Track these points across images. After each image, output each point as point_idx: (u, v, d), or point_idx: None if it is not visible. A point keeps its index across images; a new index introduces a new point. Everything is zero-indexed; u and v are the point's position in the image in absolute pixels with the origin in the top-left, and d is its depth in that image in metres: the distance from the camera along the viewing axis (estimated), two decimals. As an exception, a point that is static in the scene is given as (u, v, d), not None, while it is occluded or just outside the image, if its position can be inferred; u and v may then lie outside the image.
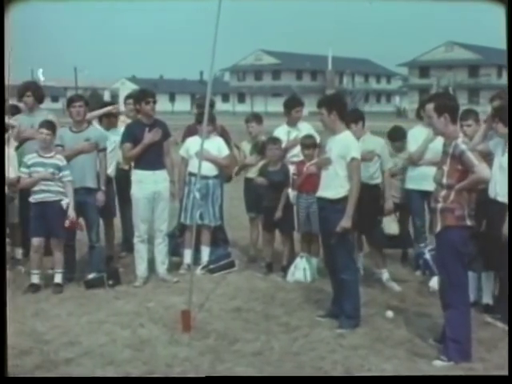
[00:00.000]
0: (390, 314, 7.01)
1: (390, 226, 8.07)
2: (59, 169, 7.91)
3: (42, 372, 5.58)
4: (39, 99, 9.13)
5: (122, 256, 9.41)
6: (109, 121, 9.30)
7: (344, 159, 6.65)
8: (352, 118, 7.65)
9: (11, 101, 10.08)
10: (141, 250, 8.31)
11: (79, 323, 6.76)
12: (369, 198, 7.05)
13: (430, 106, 5.91)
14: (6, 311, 5.49)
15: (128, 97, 9.90)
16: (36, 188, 7.89)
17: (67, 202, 7.88)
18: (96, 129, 8.66)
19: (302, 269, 8.39)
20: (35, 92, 9.07)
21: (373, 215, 7.81)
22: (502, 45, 5.98)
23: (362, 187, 6.74)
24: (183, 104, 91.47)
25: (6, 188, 8.41)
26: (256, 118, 9.52)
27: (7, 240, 9.18)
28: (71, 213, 7.86)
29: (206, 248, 8.92)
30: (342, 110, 6.85)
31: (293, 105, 9.17)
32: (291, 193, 8.62)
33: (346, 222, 6.52)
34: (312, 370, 5.66)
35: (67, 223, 7.82)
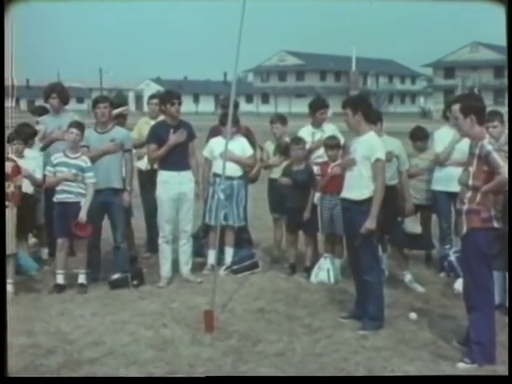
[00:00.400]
0: (413, 315, 6.97)
1: (413, 226, 8.05)
2: (82, 170, 7.94)
3: (67, 371, 5.61)
4: (64, 100, 9.22)
5: (147, 256, 9.45)
6: (118, 121, 9.33)
7: (368, 160, 6.63)
8: (371, 118, 7.66)
9: (38, 102, 10.14)
10: (165, 250, 8.34)
11: (103, 323, 6.79)
12: (387, 198, 7.02)
13: (456, 107, 5.87)
14: (6, 311, 5.52)
15: (151, 97, 9.92)
16: (59, 188, 7.94)
17: (84, 202, 7.91)
18: (121, 129, 8.68)
19: (325, 270, 8.37)
20: (60, 93, 9.15)
21: (392, 215, 7.78)
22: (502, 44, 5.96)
23: None
24: (207, 105, 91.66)
25: (33, 189, 8.50)
26: (280, 118, 9.53)
27: (34, 240, 9.31)
28: (82, 215, 7.86)
29: (230, 249, 8.93)
30: (367, 110, 6.83)
31: (318, 106, 9.17)
32: (315, 193, 8.61)
33: (370, 223, 6.50)
34: (334, 371, 5.64)
35: (74, 223, 7.81)
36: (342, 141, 8.68)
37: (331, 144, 8.48)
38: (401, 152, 8.10)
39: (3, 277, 6.07)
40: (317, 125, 9.11)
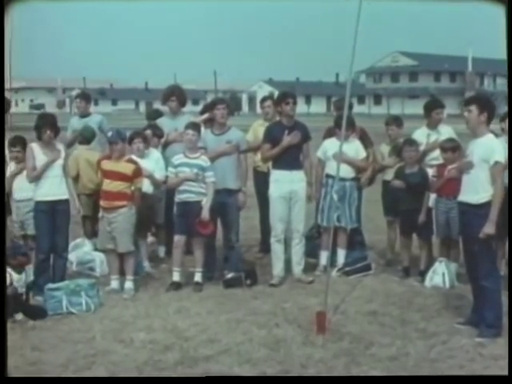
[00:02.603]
0: (533, 324, 6.73)
1: None
2: (203, 169, 8.09)
3: (183, 368, 5.74)
4: (182, 103, 9.43)
5: (259, 257, 9.55)
6: (211, 123, 9.42)
7: (487, 163, 6.45)
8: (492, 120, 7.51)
9: (155, 105, 10.41)
10: (277, 250, 8.40)
11: (218, 321, 6.91)
12: None
13: None
14: (6, 312, 5.64)
15: (263, 100, 10.02)
16: (181, 188, 8.12)
17: (206, 200, 8.05)
18: (237, 131, 8.81)
19: (440, 274, 8.21)
20: (179, 96, 9.38)
21: None
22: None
23: None
24: (319, 106, 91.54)
25: (153, 188, 8.73)
26: (396, 120, 9.51)
27: (152, 239, 9.58)
28: (205, 214, 8.01)
29: (343, 250, 8.91)
30: (492, 112, 6.64)
31: (433, 107, 9.06)
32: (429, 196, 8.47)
33: (489, 228, 6.33)
34: (450, 378, 5.55)
35: (197, 221, 7.99)
36: (459, 143, 8.49)
37: (448, 146, 8.33)
38: None
39: (3, 277, 6.23)
40: (432, 126, 8.97)
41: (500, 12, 5.75)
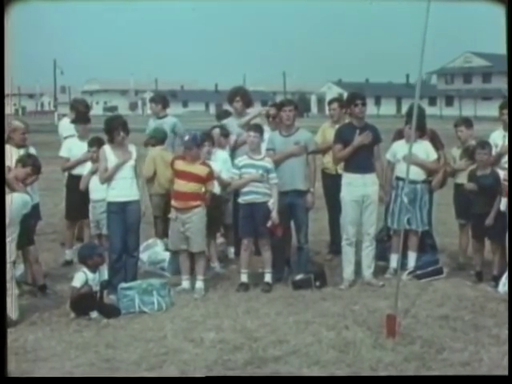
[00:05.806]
0: None
1: None
2: (267, 171, 8.15)
3: (252, 368, 5.78)
4: (247, 104, 9.53)
5: (328, 258, 9.53)
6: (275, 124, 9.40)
7: None
8: None
9: (225, 107, 10.51)
10: (348, 252, 8.36)
11: (287, 322, 6.92)
12: None
13: None
14: (6, 312, 5.65)
15: (330, 102, 10.01)
16: (245, 189, 8.18)
17: (273, 202, 8.10)
18: (305, 132, 8.81)
19: (514, 279, 8.03)
20: (243, 97, 9.48)
21: None
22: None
23: None
24: (389, 107, 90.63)
25: (220, 189, 8.81)
26: (465, 122, 9.37)
27: (221, 239, 9.67)
28: (274, 215, 8.06)
29: (413, 253, 8.81)
30: None
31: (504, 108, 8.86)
32: (502, 200, 8.30)
33: None
34: (525, 385, 5.42)
35: (269, 224, 8.04)
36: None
37: (521, 148, 8.15)
38: None
39: (3, 277, 6.28)
40: (510, 128, 8.80)
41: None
